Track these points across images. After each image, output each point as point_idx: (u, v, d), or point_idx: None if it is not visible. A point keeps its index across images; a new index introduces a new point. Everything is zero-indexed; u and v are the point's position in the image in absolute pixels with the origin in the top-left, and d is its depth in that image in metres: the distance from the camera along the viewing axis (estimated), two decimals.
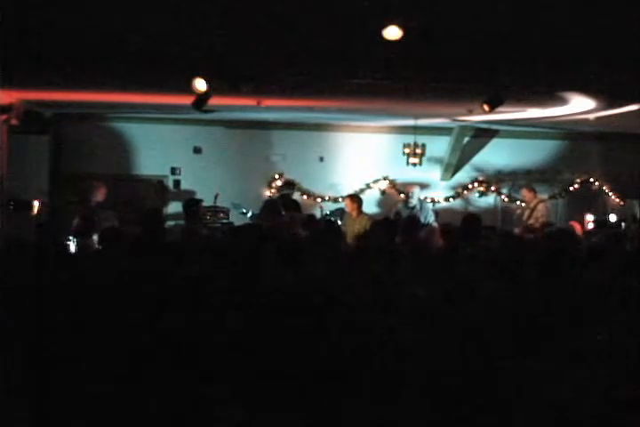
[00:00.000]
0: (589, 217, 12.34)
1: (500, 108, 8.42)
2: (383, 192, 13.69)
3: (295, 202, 12.52)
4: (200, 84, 7.56)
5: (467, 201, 13.89)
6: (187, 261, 5.92)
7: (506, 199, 13.83)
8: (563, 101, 9.33)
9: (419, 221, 9.99)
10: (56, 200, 11.98)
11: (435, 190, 13.70)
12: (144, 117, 13.00)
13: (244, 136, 13.43)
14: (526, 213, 12.49)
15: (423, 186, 13.16)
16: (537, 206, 12.40)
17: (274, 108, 10.93)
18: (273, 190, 13.18)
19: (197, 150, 13.34)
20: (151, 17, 5.44)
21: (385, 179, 13.62)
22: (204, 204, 11.04)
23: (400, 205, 12.47)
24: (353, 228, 10.41)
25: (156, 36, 6.01)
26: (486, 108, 8.25)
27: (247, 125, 13.33)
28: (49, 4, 5.09)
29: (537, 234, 9.10)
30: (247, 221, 11.25)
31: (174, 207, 12.60)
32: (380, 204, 13.64)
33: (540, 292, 5.22)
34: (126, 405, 4.35)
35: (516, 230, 10.60)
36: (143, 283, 5.16)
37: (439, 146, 13.32)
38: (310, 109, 11.25)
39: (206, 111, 8.75)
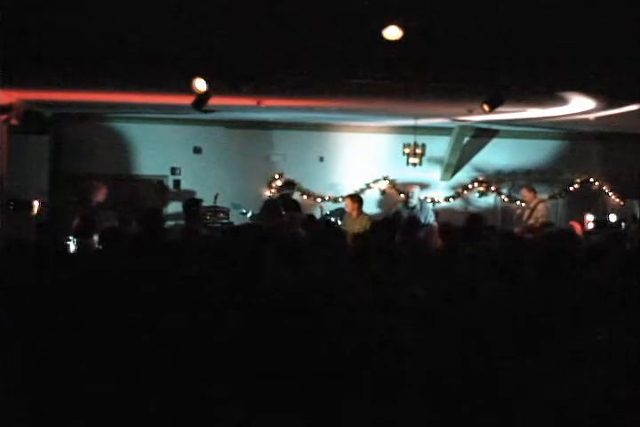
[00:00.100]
0: (589, 217, 12.33)
1: (500, 108, 8.42)
2: (383, 192, 13.68)
3: (295, 202, 12.51)
4: (200, 84, 7.56)
5: (467, 201, 13.89)
6: (187, 261, 5.92)
7: (506, 199, 13.82)
8: (563, 101, 9.33)
9: (419, 221, 9.99)
10: (56, 200, 11.98)
11: (435, 190, 13.70)
12: (144, 117, 13.00)
13: (244, 136, 13.43)
14: (526, 213, 12.49)
15: (423, 186, 13.15)
16: (537, 206, 12.40)
17: (274, 108, 10.92)
18: (273, 190, 13.18)
19: (197, 150, 13.33)
20: (151, 17, 5.44)
21: (385, 179, 13.62)
22: (204, 204, 11.04)
23: (400, 205, 12.47)
24: (353, 228, 10.40)
25: (156, 36, 6.01)
26: (486, 108, 8.25)
27: (247, 125, 13.33)
28: (49, 4, 5.09)
29: (536, 234, 9.10)
30: (247, 221, 11.25)
31: (174, 207, 12.60)
32: (380, 204, 13.64)
33: (539, 292, 5.22)
34: (126, 405, 4.35)
35: (516, 230, 10.61)
36: (143, 283, 5.16)
37: (439, 146, 13.32)
38: (310, 109, 11.25)
39: (206, 111, 8.75)
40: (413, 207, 12.03)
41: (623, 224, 12.26)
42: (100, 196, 10.29)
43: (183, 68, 7.13)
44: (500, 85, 7.81)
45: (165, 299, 4.88)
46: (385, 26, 5.24)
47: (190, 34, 5.90)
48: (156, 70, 7.60)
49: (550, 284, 5.39)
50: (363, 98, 9.59)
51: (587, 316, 4.85)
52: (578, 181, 13.84)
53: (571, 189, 13.85)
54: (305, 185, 13.34)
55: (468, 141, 13.60)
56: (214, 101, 8.19)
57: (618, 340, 4.61)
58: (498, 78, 7.48)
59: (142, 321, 4.67)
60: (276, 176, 13.27)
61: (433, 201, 13.49)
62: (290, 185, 12.82)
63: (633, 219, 12.64)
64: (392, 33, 5.28)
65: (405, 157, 12.51)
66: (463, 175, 13.84)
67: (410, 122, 12.21)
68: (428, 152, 12.63)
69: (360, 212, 11.38)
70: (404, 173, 13.14)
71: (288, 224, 9.31)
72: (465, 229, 7.78)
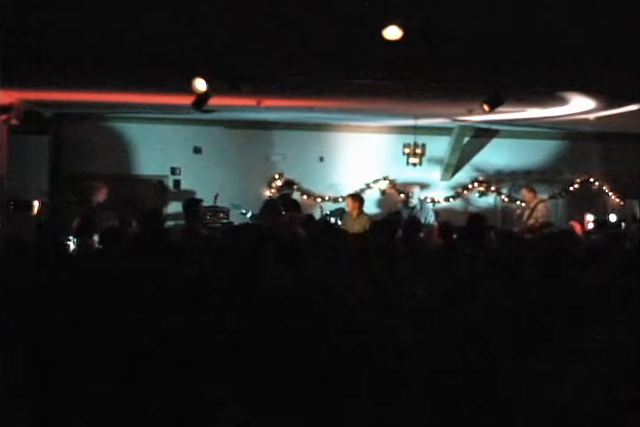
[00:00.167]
0: (589, 217, 12.33)
1: (500, 108, 8.42)
2: (383, 192, 13.68)
3: (295, 202, 12.51)
4: (200, 84, 7.56)
5: (467, 201, 13.89)
6: (186, 261, 5.92)
7: (506, 199, 13.82)
8: (563, 101, 9.33)
9: (419, 221, 9.99)
10: (56, 200, 11.98)
11: (435, 190, 13.69)
12: (144, 117, 13.00)
13: (244, 136, 13.42)
14: (526, 213, 12.48)
15: (423, 186, 13.15)
16: (537, 206, 12.40)
17: (274, 108, 10.92)
18: (273, 190, 13.18)
19: (197, 150, 13.33)
20: (151, 17, 5.44)
21: (385, 179, 13.61)
22: (204, 204, 11.04)
23: (400, 205, 12.47)
24: (353, 227, 10.40)
25: (156, 36, 6.01)
26: (486, 108, 8.25)
27: (247, 125, 13.32)
28: (49, 4, 5.09)
29: (536, 234, 9.11)
30: (247, 221, 11.25)
31: (174, 207, 12.60)
32: (380, 204, 13.64)
33: (539, 292, 5.22)
34: (126, 405, 4.35)
35: (516, 230, 10.61)
36: (143, 283, 5.16)
37: (439, 146, 13.32)
38: (310, 109, 11.25)
39: (206, 111, 8.75)
40: (413, 207, 12.03)
41: (623, 224, 12.26)
42: (101, 196, 10.28)
43: (183, 68, 7.13)
44: (500, 85, 7.81)
45: (165, 299, 4.88)
46: (385, 26, 5.24)
47: (190, 34, 5.90)
48: (156, 70, 7.60)
49: (550, 284, 5.39)
50: (363, 98, 9.59)
51: (587, 316, 4.85)
52: (578, 181, 13.84)
53: (571, 189, 13.84)
54: (305, 185, 13.34)
55: (467, 141, 13.60)
56: (214, 101, 8.19)
57: (618, 340, 4.61)
58: (498, 78, 7.48)
59: (142, 321, 4.67)
60: (276, 176, 13.27)
61: (433, 201, 13.49)
62: (290, 185, 12.82)
63: (633, 219, 12.64)
64: (392, 33, 5.29)
65: (405, 157, 12.50)
66: (463, 175, 13.84)
67: (410, 122, 12.20)
68: (428, 152, 12.63)
69: (361, 211, 11.38)
70: (404, 173, 13.14)
71: (288, 224, 9.31)
72: (467, 228, 7.78)
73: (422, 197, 12.60)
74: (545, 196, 13.32)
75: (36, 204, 10.83)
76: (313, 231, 8.30)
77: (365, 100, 9.83)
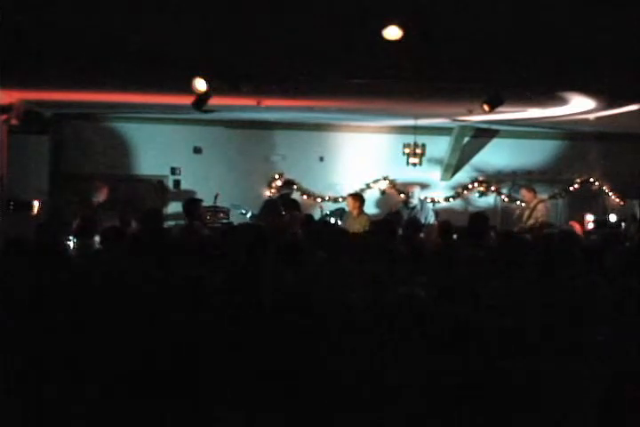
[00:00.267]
0: (589, 217, 12.33)
1: (500, 108, 8.42)
2: (383, 192, 13.69)
3: (295, 201, 12.51)
4: (200, 84, 7.55)
5: (467, 201, 13.89)
6: (186, 261, 5.92)
7: (506, 199, 13.82)
8: (563, 101, 9.33)
9: (419, 221, 9.99)
10: (56, 200, 11.98)
11: (435, 190, 13.69)
12: (144, 117, 13.00)
13: (244, 136, 13.43)
14: (526, 213, 12.49)
15: (423, 186, 13.16)
16: (537, 206, 12.41)
17: (274, 108, 10.92)
18: (273, 190, 13.18)
19: (197, 150, 13.33)
20: (151, 17, 5.44)
21: (385, 179, 13.62)
22: (204, 204, 11.04)
23: (400, 206, 12.47)
24: (353, 227, 10.41)
25: (156, 36, 6.01)
26: (486, 108, 8.25)
27: (247, 125, 13.32)
28: (49, 4, 5.09)
29: (534, 233, 9.11)
30: (247, 221, 11.25)
31: (174, 207, 12.60)
32: (380, 204, 13.63)
33: (539, 292, 5.22)
34: (126, 405, 4.35)
35: (515, 230, 10.60)
36: (142, 283, 5.16)
37: (439, 146, 13.32)
38: (310, 109, 11.24)
39: (206, 111, 8.75)
40: (414, 207, 12.04)
41: (623, 224, 12.26)
42: (102, 196, 10.29)
43: (183, 68, 7.12)
44: (500, 85, 7.81)
45: (164, 299, 4.88)
46: (385, 26, 5.24)
47: (190, 34, 5.90)
48: (156, 70, 7.59)
49: (550, 284, 5.39)
50: (363, 98, 9.59)
51: (587, 316, 4.85)
52: (578, 181, 13.84)
53: (571, 189, 13.85)
54: (305, 185, 13.34)
55: (467, 141, 13.60)
56: (214, 101, 8.19)
57: (618, 340, 4.61)
58: (498, 78, 7.47)
59: (141, 321, 4.67)
60: (276, 176, 13.27)
61: (433, 201, 13.49)
62: (289, 185, 12.81)
63: (633, 219, 12.63)
64: (392, 33, 5.28)
65: (405, 157, 12.50)
66: (463, 175, 13.84)
67: (410, 122, 12.20)
68: (428, 152, 12.62)
69: (361, 211, 11.38)
70: (404, 173, 13.14)
71: (288, 224, 9.32)
72: (469, 227, 7.78)
73: (422, 197, 12.61)
74: (545, 196, 13.32)
75: (36, 204, 10.83)
76: (311, 231, 8.29)
77: (365, 100, 9.83)
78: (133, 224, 8.67)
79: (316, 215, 12.09)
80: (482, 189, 13.80)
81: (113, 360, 4.49)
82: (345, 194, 12.67)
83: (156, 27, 5.71)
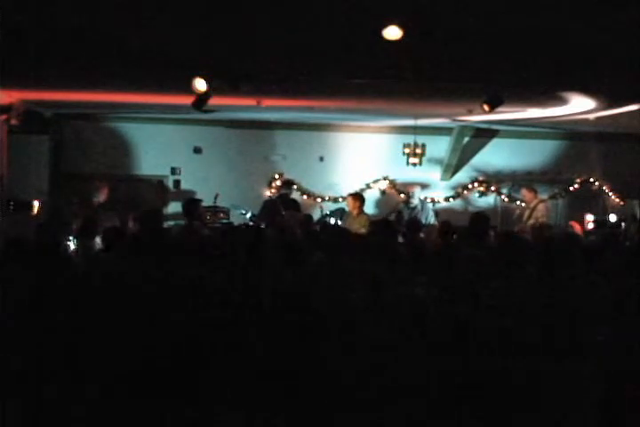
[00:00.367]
0: (589, 217, 12.32)
1: (500, 108, 8.42)
2: (383, 192, 13.68)
3: (295, 201, 12.50)
4: (200, 84, 7.55)
5: (467, 201, 13.89)
6: (186, 261, 5.92)
7: (506, 199, 13.82)
8: (563, 101, 9.33)
9: (420, 222, 9.98)
10: (56, 200, 11.98)
11: (435, 190, 13.69)
12: (144, 117, 12.99)
13: (244, 136, 13.42)
14: (526, 213, 12.48)
15: (423, 186, 13.15)
16: (537, 206, 12.40)
17: (274, 108, 10.92)
18: (273, 190, 13.18)
19: (197, 150, 13.33)
20: (151, 17, 5.44)
21: (385, 179, 13.61)
22: (204, 204, 11.04)
23: (402, 206, 12.47)
24: (352, 227, 10.40)
25: (156, 36, 6.01)
26: (486, 108, 8.25)
27: (247, 125, 13.32)
28: (49, 4, 5.09)
29: (533, 233, 9.10)
30: (247, 221, 11.25)
31: (174, 207, 12.59)
32: (380, 204, 13.63)
33: (539, 292, 5.22)
34: (126, 405, 4.35)
35: (515, 230, 10.60)
36: (142, 283, 5.16)
37: (439, 146, 13.31)
38: (310, 109, 11.24)
39: (206, 111, 8.75)
40: (414, 208, 12.04)
41: (623, 224, 12.26)
42: (103, 196, 10.29)
43: (183, 68, 7.12)
44: (500, 85, 7.81)
45: (164, 299, 4.88)
46: (385, 26, 5.24)
47: (190, 34, 5.90)
48: (156, 70, 7.59)
49: (550, 284, 5.39)
50: (363, 98, 9.59)
51: (587, 316, 4.85)
52: (578, 181, 13.84)
53: (571, 189, 13.84)
54: (305, 185, 13.34)
55: (467, 141, 13.60)
56: (214, 101, 8.19)
57: (618, 340, 4.61)
58: (498, 78, 7.47)
59: (141, 321, 4.67)
60: (276, 176, 13.27)
61: (433, 201, 13.49)
62: (289, 185, 12.81)
63: (633, 219, 12.63)
64: (392, 33, 5.28)
65: (405, 157, 12.49)
66: (463, 175, 13.83)
67: (410, 122, 12.20)
68: (428, 152, 12.62)
69: (361, 211, 11.37)
70: (404, 173, 13.14)
71: (288, 224, 9.31)
72: (469, 228, 7.77)
73: (422, 197, 12.60)
74: (545, 196, 13.32)
75: (36, 204, 10.83)
76: (309, 231, 8.29)
77: (365, 100, 9.83)
78: (130, 224, 8.66)
79: (316, 215, 12.08)
80: (482, 189, 13.80)
81: (113, 360, 4.49)
82: (345, 194, 12.66)
83: (156, 27, 5.71)
